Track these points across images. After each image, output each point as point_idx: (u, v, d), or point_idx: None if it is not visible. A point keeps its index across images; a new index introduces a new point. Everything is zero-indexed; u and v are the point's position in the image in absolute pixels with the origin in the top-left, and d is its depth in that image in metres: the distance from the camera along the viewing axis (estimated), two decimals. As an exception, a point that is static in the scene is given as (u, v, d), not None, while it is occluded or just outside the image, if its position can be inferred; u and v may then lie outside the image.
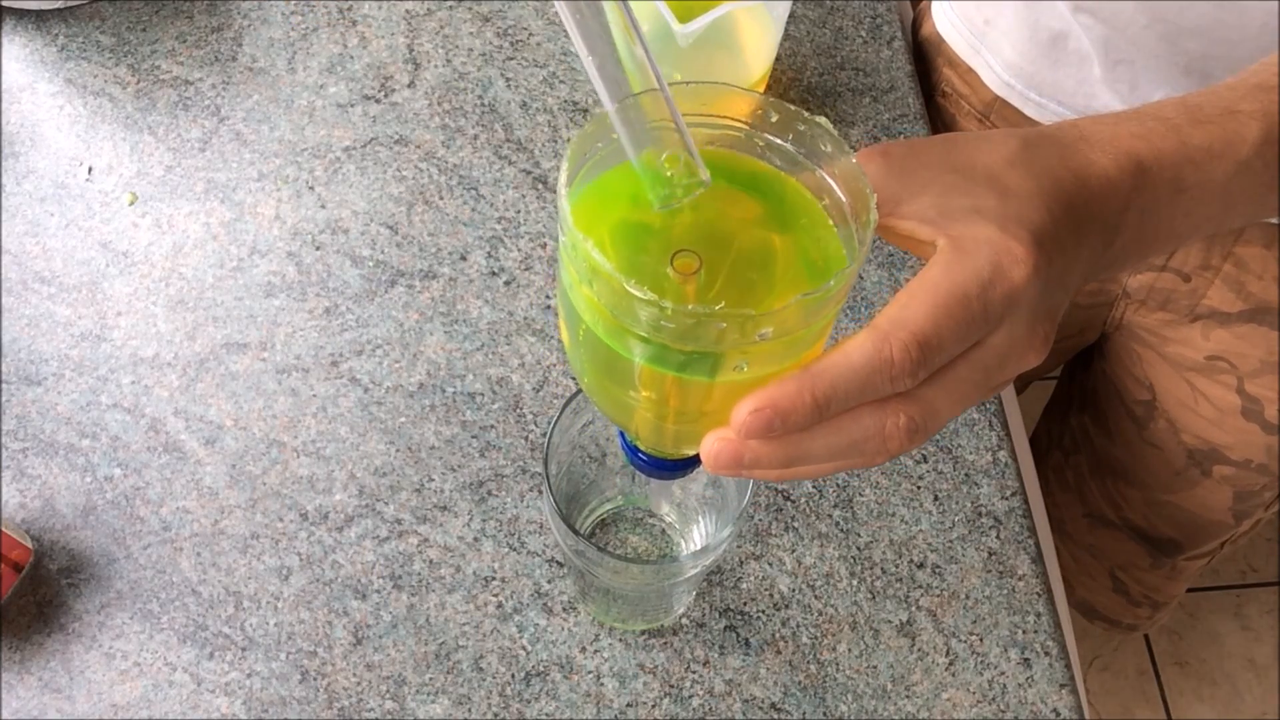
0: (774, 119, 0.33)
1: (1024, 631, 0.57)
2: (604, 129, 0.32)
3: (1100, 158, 0.35)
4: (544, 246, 0.66)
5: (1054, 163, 0.35)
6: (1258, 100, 0.39)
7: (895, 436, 0.31)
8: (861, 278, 0.67)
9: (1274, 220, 0.66)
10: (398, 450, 0.60)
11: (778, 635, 0.57)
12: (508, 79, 0.73)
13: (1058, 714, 0.56)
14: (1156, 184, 0.36)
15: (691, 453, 0.38)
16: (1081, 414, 0.89)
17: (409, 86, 0.72)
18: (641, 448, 0.39)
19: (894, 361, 0.30)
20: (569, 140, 0.35)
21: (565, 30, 0.74)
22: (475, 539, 0.58)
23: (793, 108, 0.32)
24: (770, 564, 0.58)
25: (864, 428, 0.31)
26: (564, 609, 0.57)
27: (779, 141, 0.33)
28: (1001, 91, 0.70)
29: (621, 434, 0.39)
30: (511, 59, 0.73)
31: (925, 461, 0.62)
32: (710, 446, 0.32)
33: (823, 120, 0.32)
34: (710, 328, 0.29)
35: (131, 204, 0.67)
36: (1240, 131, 0.38)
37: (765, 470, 0.32)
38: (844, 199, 0.32)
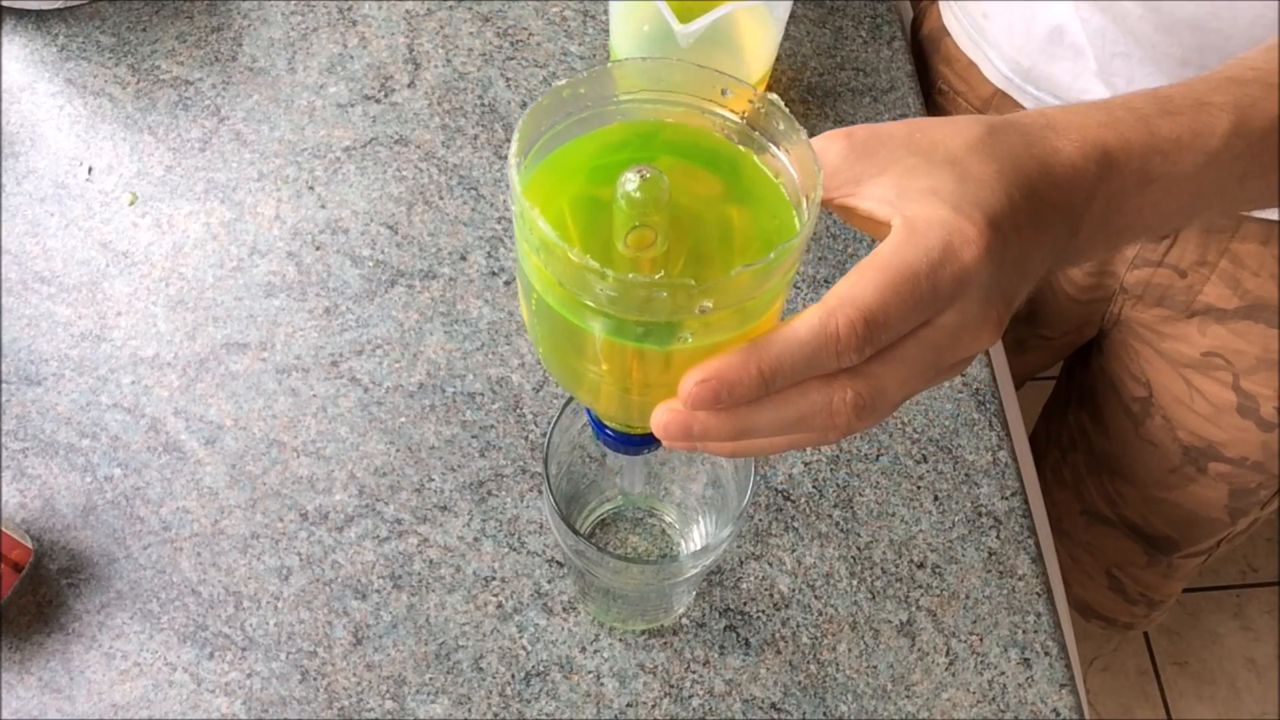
0: (729, 96, 0.33)
1: (1024, 631, 0.57)
2: (559, 104, 0.32)
3: (1066, 145, 0.35)
4: (544, 246, 0.66)
5: (1018, 149, 0.35)
6: (1229, 93, 0.39)
7: (842, 411, 0.32)
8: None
9: (1271, 216, 0.66)
10: (398, 450, 0.60)
11: (778, 635, 0.57)
12: (508, 79, 0.73)
13: (1058, 714, 0.56)
14: (1123, 174, 0.36)
15: None
16: (1079, 411, 0.89)
17: (409, 86, 0.72)
18: (601, 420, 0.39)
19: (839, 336, 0.30)
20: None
21: (565, 30, 0.74)
22: (475, 539, 0.58)
23: (745, 84, 0.33)
24: (770, 564, 0.58)
25: (811, 402, 0.32)
26: (564, 609, 0.57)
27: (735, 119, 0.33)
28: (1001, 85, 0.70)
29: (589, 410, 0.40)
30: (511, 59, 0.73)
31: (925, 461, 0.62)
32: (660, 418, 0.32)
33: (774, 98, 0.32)
34: (652, 298, 0.29)
35: (131, 204, 0.67)
36: (1210, 123, 0.38)
37: (716, 443, 0.32)
38: (796, 176, 0.33)
